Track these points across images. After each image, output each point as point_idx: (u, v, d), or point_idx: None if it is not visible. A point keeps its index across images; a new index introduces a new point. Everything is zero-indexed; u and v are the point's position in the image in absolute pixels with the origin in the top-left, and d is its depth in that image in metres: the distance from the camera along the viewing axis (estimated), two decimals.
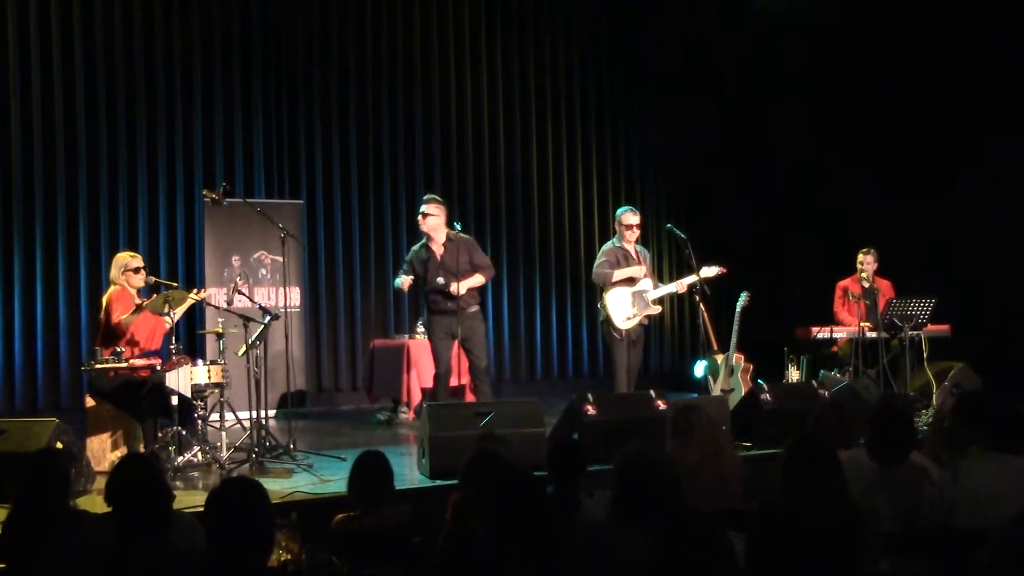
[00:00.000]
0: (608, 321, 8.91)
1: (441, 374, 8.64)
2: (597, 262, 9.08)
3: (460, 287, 8.46)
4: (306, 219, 11.27)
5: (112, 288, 7.59)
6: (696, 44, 13.41)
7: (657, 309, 8.96)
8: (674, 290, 9.05)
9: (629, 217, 9.01)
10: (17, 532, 4.23)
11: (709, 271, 8.93)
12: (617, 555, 3.49)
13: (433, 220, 8.67)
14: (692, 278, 8.90)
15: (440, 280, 8.50)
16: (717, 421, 7.28)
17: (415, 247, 8.90)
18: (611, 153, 13.37)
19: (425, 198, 8.93)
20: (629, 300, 8.84)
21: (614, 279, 8.84)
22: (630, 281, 8.86)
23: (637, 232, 9.02)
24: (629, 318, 8.82)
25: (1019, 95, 10.50)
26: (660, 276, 11.63)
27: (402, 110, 12.08)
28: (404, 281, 8.61)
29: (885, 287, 9.88)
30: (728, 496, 5.11)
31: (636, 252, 9.03)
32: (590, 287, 13.05)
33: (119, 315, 7.35)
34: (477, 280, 8.69)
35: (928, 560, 4.13)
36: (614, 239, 9.14)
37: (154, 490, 3.63)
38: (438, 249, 8.65)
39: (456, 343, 8.64)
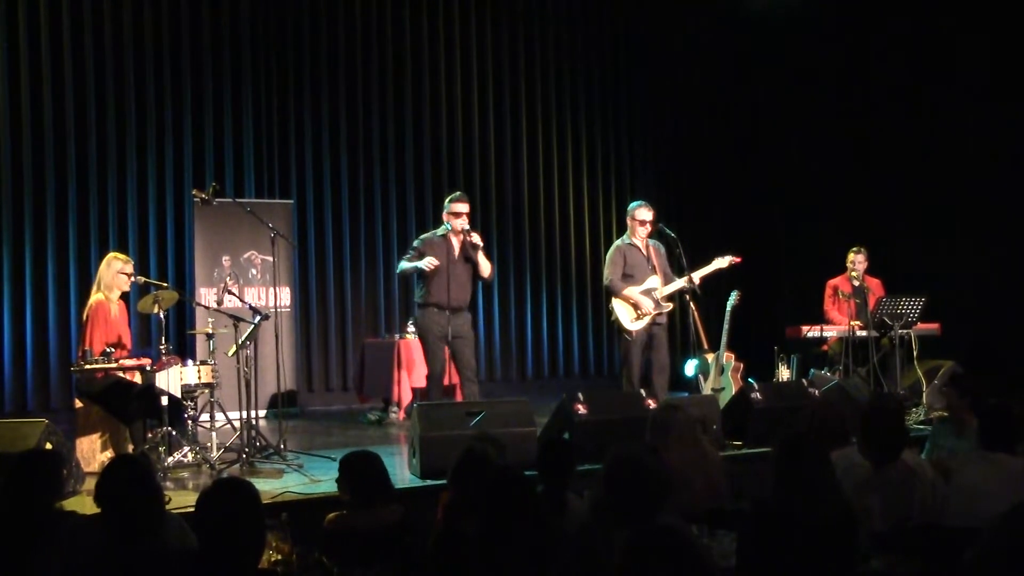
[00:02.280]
0: (618, 323, 8.90)
1: (437, 374, 8.54)
2: (607, 269, 9.01)
3: (480, 257, 8.53)
4: (296, 219, 11.25)
5: (94, 298, 7.52)
6: (690, 42, 13.40)
7: (668, 306, 8.85)
8: (684, 285, 8.85)
9: (643, 212, 8.91)
10: (3, 533, 4.21)
11: (722, 261, 8.93)
12: (604, 555, 3.48)
13: (467, 218, 8.65)
14: (703, 271, 8.87)
15: (476, 238, 8.51)
16: (706, 420, 7.31)
17: (427, 235, 8.75)
18: (603, 151, 13.37)
19: (459, 196, 8.78)
20: (641, 301, 8.80)
21: (625, 292, 8.80)
22: (638, 280, 8.83)
23: (650, 228, 8.91)
24: (638, 318, 8.79)
25: (1015, 93, 10.52)
26: None
27: (392, 109, 12.07)
28: (430, 261, 8.37)
29: (875, 286, 9.88)
30: (712, 496, 5.11)
31: (648, 248, 8.92)
32: (581, 286, 13.11)
33: (96, 344, 7.29)
34: (487, 265, 8.67)
35: (919, 559, 4.14)
36: (624, 235, 9.06)
37: (145, 491, 3.62)
38: (457, 245, 8.59)
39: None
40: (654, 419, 5.59)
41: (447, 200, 8.75)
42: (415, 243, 8.79)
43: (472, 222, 12.06)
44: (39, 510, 4.23)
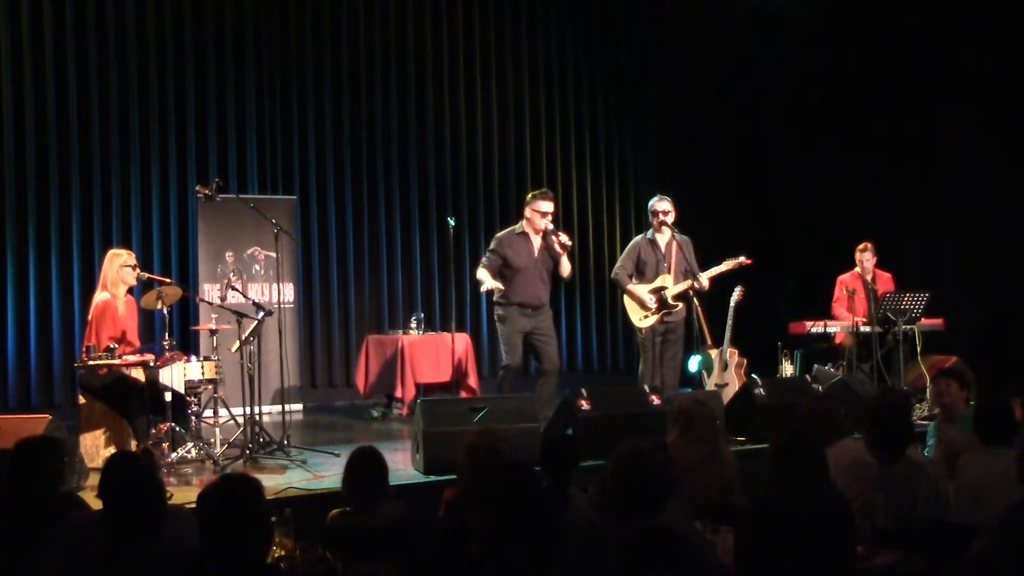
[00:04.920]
0: (629, 320, 8.90)
1: (515, 368, 8.47)
2: (618, 262, 9.01)
3: (563, 259, 8.47)
4: (299, 215, 11.23)
5: (101, 296, 7.52)
6: (691, 37, 13.37)
7: (677, 306, 8.75)
8: (686, 287, 8.74)
9: (658, 204, 8.85)
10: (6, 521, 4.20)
11: (732, 262, 8.90)
12: (607, 551, 3.49)
13: (552, 216, 8.55)
14: (712, 271, 8.85)
15: (565, 238, 8.41)
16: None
17: (503, 234, 8.64)
18: (605, 145, 13.35)
19: (544, 193, 8.66)
20: (645, 299, 8.75)
21: (628, 287, 8.77)
22: (648, 277, 8.79)
23: (663, 219, 8.76)
24: (645, 316, 8.76)
25: (1014, 92, 10.51)
26: None
27: (396, 104, 12.04)
28: (493, 286, 8.38)
29: (885, 280, 9.86)
30: (723, 492, 5.12)
31: (672, 245, 8.80)
32: (585, 282, 13.09)
33: (101, 341, 7.29)
34: (568, 266, 8.61)
35: (924, 555, 4.14)
36: (648, 231, 8.99)
37: (145, 487, 3.59)
38: (537, 242, 8.51)
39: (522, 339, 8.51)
40: (680, 411, 5.59)
41: (530, 196, 8.64)
42: (493, 244, 8.66)
43: (476, 217, 12.24)
44: (39, 497, 4.22)
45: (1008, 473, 4.43)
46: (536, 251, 8.50)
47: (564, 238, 8.44)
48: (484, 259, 8.63)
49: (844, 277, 10.00)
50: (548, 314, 8.64)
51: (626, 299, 8.86)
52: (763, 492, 4.02)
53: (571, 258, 8.77)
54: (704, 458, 5.14)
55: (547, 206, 8.46)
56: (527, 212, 8.55)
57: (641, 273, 8.82)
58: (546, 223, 8.43)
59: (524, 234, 8.52)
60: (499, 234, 8.75)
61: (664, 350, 8.81)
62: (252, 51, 11.22)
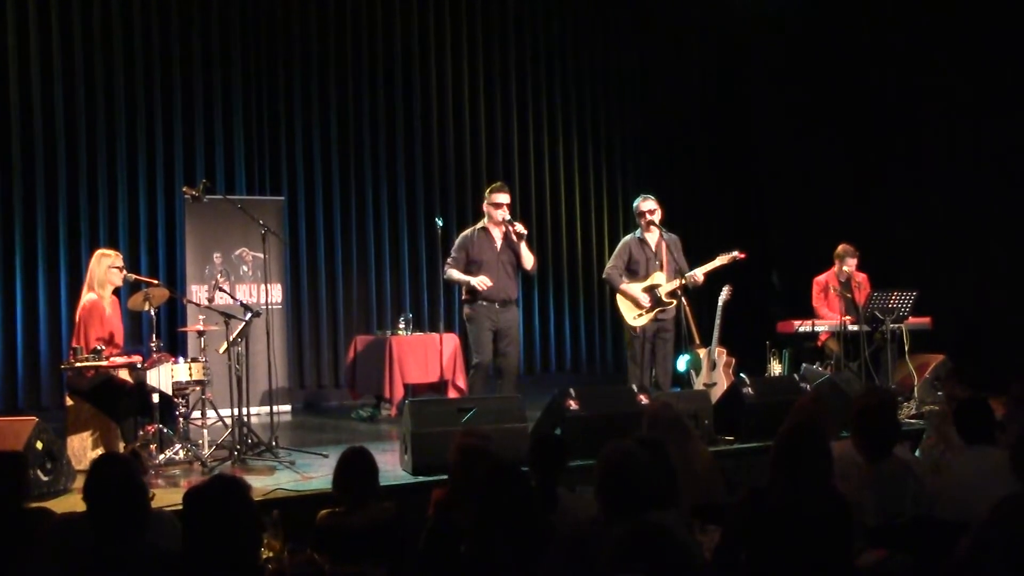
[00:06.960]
0: (622, 318, 8.88)
1: (484, 365, 8.51)
2: (609, 261, 9.02)
3: (523, 248, 8.51)
4: (287, 215, 11.22)
5: (88, 297, 7.50)
6: (677, 39, 13.40)
7: (671, 303, 8.77)
8: (679, 283, 8.76)
9: (644, 204, 8.88)
10: None
11: (726, 257, 8.90)
12: (600, 550, 3.48)
13: (508, 208, 8.60)
14: (707, 267, 8.83)
15: (520, 227, 8.47)
16: (698, 415, 7.34)
17: (466, 233, 8.73)
18: (592, 148, 13.36)
19: (500, 186, 8.75)
20: (639, 297, 8.78)
21: (623, 287, 8.78)
22: (641, 276, 8.80)
23: (651, 217, 8.80)
24: (639, 315, 8.77)
25: (999, 89, 10.54)
26: None
27: (383, 105, 12.04)
28: (482, 281, 8.36)
29: (863, 280, 9.88)
30: (705, 491, 5.12)
31: (661, 243, 8.83)
32: (574, 282, 13.10)
33: (88, 342, 7.27)
34: (530, 257, 8.64)
35: (912, 553, 4.15)
36: (635, 231, 9.03)
37: (131, 490, 3.58)
38: (498, 236, 8.57)
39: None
40: (649, 414, 5.60)
41: (487, 191, 8.74)
42: (457, 244, 8.72)
43: (464, 219, 12.22)
44: (6, 513, 4.17)
45: (994, 470, 4.45)
46: (498, 244, 8.56)
47: (519, 227, 8.52)
48: (450, 259, 8.69)
49: (821, 278, 10.02)
50: (514, 313, 8.71)
51: (619, 298, 8.87)
52: (762, 487, 4.01)
53: (531, 247, 8.81)
54: (679, 457, 5.14)
55: (502, 198, 8.56)
56: (485, 207, 8.65)
57: (634, 272, 8.83)
58: (502, 214, 8.49)
59: (485, 229, 8.62)
60: (462, 233, 8.84)
61: (656, 349, 8.81)
62: (239, 51, 11.21)
